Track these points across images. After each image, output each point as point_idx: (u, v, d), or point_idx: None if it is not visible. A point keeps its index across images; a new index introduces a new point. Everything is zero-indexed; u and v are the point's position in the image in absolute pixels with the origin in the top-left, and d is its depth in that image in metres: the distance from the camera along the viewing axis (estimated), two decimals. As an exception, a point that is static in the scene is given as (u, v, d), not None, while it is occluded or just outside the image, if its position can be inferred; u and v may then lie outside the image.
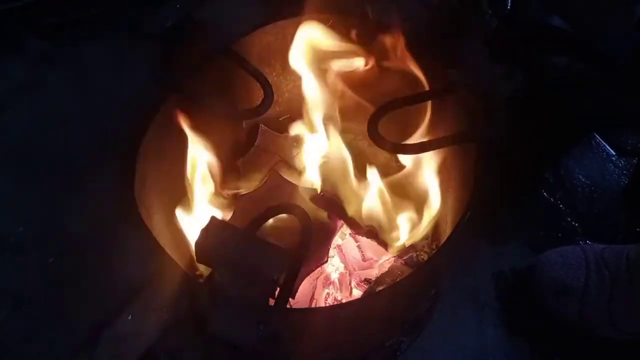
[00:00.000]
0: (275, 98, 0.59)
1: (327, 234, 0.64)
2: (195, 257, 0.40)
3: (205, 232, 0.40)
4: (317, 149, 0.63)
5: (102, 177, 0.85)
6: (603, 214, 0.87)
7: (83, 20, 1.02)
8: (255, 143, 0.70)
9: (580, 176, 0.90)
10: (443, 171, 0.56)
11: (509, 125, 0.48)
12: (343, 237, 0.66)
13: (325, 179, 0.62)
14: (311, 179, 0.63)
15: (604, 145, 0.93)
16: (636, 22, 0.86)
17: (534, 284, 0.75)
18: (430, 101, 0.52)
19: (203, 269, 0.51)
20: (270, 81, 0.60)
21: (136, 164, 0.50)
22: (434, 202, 0.57)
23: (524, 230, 0.85)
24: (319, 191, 0.63)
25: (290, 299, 0.46)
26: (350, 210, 0.61)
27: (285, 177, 0.63)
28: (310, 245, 0.44)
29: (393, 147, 0.50)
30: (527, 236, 0.84)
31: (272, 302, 0.42)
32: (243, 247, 0.39)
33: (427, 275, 0.51)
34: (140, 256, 0.52)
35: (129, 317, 0.47)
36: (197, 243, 0.39)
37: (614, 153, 0.92)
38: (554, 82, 0.89)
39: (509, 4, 1.05)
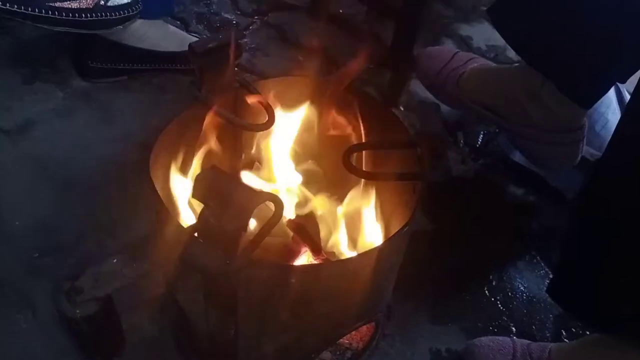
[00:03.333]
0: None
1: (290, 256, 0.74)
2: (192, 192, 0.52)
3: (205, 171, 0.51)
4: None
5: (110, 192, 0.97)
6: (536, 319, 0.97)
7: (124, 72, 1.19)
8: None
9: (520, 285, 1.02)
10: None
11: (449, 172, 0.61)
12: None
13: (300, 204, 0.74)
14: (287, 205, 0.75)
15: (543, 265, 1.06)
16: (579, 162, 1.03)
17: (465, 364, 0.84)
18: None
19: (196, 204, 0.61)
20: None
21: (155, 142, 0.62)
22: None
23: (463, 318, 0.95)
24: (293, 216, 0.75)
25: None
26: (319, 237, 0.73)
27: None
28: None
29: (362, 174, 0.63)
30: (466, 324, 0.94)
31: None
32: (234, 187, 0.50)
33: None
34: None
35: (114, 260, 0.57)
36: (196, 177, 0.51)
37: (551, 272, 1.05)
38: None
39: (480, 140, 1.25)
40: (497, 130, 1.24)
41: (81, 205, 0.97)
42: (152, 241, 0.60)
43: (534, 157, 1.07)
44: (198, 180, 0.50)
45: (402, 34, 1.30)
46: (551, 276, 1.05)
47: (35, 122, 1.12)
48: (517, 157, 1.18)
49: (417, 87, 1.27)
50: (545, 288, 1.02)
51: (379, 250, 0.61)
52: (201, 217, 0.50)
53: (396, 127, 0.69)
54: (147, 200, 0.66)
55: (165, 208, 0.58)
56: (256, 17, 1.47)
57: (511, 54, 1.52)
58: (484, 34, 1.56)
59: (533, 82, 0.95)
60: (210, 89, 0.68)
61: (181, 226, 0.57)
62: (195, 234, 0.51)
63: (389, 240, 0.61)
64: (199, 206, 0.53)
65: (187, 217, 0.66)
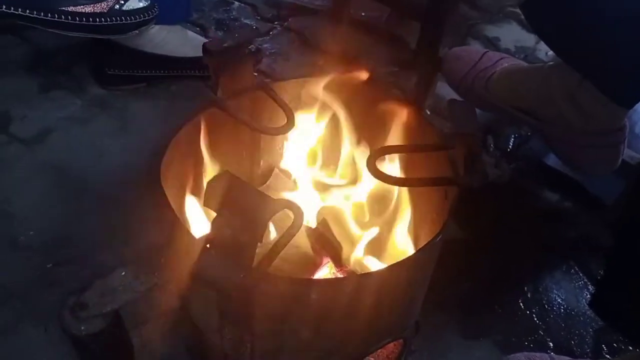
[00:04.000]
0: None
1: (310, 268, 0.69)
2: (204, 199, 0.48)
3: (218, 177, 0.47)
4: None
5: (125, 204, 0.94)
6: (575, 334, 0.91)
7: (142, 79, 1.17)
8: (267, 183, 0.79)
9: (557, 297, 0.96)
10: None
11: (486, 176, 0.56)
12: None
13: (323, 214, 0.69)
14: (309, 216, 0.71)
15: (582, 274, 0.99)
16: (619, 166, 0.97)
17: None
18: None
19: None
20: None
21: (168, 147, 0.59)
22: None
23: (496, 332, 0.89)
24: (314, 225, 0.70)
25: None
26: (342, 249, 0.68)
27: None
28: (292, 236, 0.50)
29: (389, 179, 0.58)
30: (499, 339, 0.88)
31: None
32: (248, 195, 0.46)
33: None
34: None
35: (122, 273, 0.53)
36: (208, 184, 0.47)
37: (590, 283, 0.98)
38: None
39: (511, 144, 1.20)
40: (529, 133, 1.18)
41: (97, 215, 0.94)
42: (163, 253, 0.56)
43: (570, 162, 1.01)
44: (210, 187, 0.46)
45: (428, 35, 1.25)
46: (590, 287, 0.99)
47: (52, 130, 1.10)
48: (552, 161, 1.12)
49: (444, 90, 1.21)
50: (584, 300, 0.96)
51: (410, 261, 0.56)
52: (214, 227, 0.46)
53: (426, 129, 0.64)
54: (161, 210, 0.62)
55: (176, 217, 0.54)
56: (276, 23, 1.44)
57: (541, 54, 1.46)
58: (512, 34, 1.51)
59: (569, 81, 0.89)
60: (226, 91, 0.64)
61: (192, 237, 0.52)
62: (208, 245, 0.47)
63: (420, 251, 0.56)
64: (212, 215, 0.48)
65: (201, 227, 0.62)
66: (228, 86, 0.64)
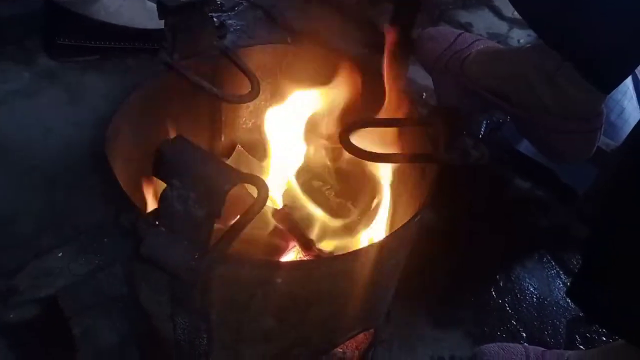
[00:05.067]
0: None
1: (275, 252, 0.64)
2: (152, 167, 0.41)
3: (169, 142, 0.41)
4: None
5: (71, 182, 0.86)
6: (548, 324, 0.88)
7: (95, 50, 1.08)
8: (228, 160, 0.73)
9: (529, 286, 0.93)
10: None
11: (468, 154, 0.51)
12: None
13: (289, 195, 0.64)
14: (274, 195, 0.65)
15: (554, 263, 0.97)
16: (593, 154, 0.94)
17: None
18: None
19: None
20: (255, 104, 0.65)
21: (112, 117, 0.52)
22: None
23: (468, 322, 0.86)
24: (280, 206, 0.64)
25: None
26: (309, 231, 0.62)
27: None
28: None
29: (363, 154, 0.53)
30: (471, 328, 0.85)
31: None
32: (204, 163, 0.40)
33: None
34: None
35: (59, 254, 0.46)
36: (157, 151, 0.40)
37: (562, 272, 0.96)
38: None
39: (483, 130, 1.16)
40: (501, 120, 1.15)
41: (41, 193, 0.86)
42: (109, 232, 0.49)
43: (545, 148, 0.97)
44: (160, 154, 0.40)
45: (400, 17, 1.20)
46: (562, 276, 0.97)
47: (-5, 103, 1.01)
48: (524, 148, 1.09)
49: (417, 74, 1.17)
50: (556, 289, 0.94)
51: (382, 245, 0.50)
52: (163, 200, 0.40)
53: (403, 102, 0.59)
54: (107, 185, 0.55)
55: (121, 190, 0.47)
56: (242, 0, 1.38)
57: (513, 42, 1.44)
58: (485, 20, 1.48)
59: (548, 64, 0.85)
60: (183, 54, 0.57)
61: (140, 212, 0.46)
62: (156, 222, 0.41)
63: (393, 234, 0.50)
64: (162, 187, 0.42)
65: (152, 202, 0.55)
66: (185, 49, 0.58)
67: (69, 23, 1.04)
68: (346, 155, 0.55)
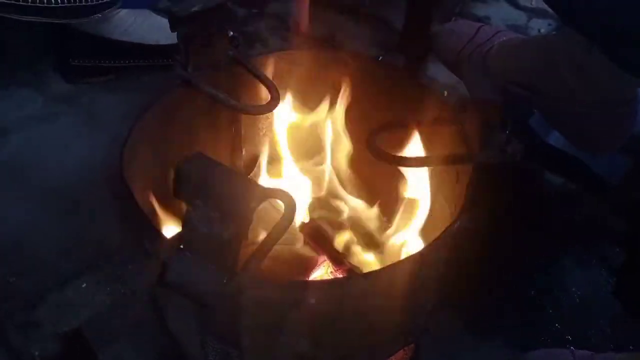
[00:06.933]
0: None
1: (305, 268, 0.61)
2: (172, 188, 0.39)
3: (189, 160, 0.38)
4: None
5: (92, 206, 0.85)
6: (593, 324, 0.83)
7: (110, 70, 1.07)
8: (251, 174, 0.70)
9: (570, 285, 0.89)
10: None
11: (505, 150, 0.48)
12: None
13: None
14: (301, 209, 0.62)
15: (595, 260, 0.92)
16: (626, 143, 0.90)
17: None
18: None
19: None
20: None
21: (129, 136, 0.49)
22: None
23: (509, 328, 0.82)
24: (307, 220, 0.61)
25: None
26: (339, 245, 0.60)
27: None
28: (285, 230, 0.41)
29: (393, 159, 0.50)
30: (512, 334, 0.81)
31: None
32: (227, 180, 0.37)
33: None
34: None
35: (83, 285, 0.44)
36: (178, 169, 0.38)
37: (604, 269, 0.91)
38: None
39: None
40: (529, 112, 1.10)
41: (60, 219, 0.84)
42: (132, 258, 0.47)
43: (578, 139, 0.93)
44: (179, 174, 0.37)
45: (415, 15, 1.17)
46: (604, 273, 0.92)
47: (11, 130, 1.01)
48: (553, 140, 1.04)
49: (436, 71, 1.14)
50: (599, 287, 0.89)
51: (420, 257, 0.47)
52: (187, 222, 0.37)
53: (430, 102, 0.55)
54: (127, 208, 0.52)
55: (142, 214, 0.45)
56: (255, 9, 1.36)
57: (534, 32, 1.39)
58: (502, 12, 1.44)
59: (576, 50, 0.81)
60: (197, 66, 0.55)
61: (163, 237, 0.43)
62: (181, 246, 0.38)
63: (432, 244, 0.47)
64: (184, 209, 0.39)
65: (174, 225, 0.53)
66: (200, 60, 0.55)
67: (81, 44, 1.03)
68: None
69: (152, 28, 1.08)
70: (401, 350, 0.61)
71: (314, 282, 0.54)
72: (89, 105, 1.07)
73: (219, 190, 0.37)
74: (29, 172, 0.93)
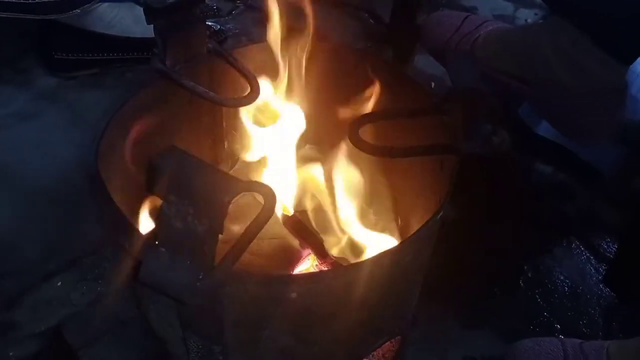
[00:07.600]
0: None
1: (289, 262, 0.60)
2: (145, 183, 0.38)
3: (162, 154, 0.37)
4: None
5: (71, 205, 0.83)
6: (582, 313, 0.83)
7: (94, 63, 1.06)
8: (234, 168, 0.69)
9: (560, 275, 0.88)
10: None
11: (491, 140, 0.47)
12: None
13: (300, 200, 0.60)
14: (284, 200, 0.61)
15: (584, 249, 0.92)
16: (617, 132, 0.89)
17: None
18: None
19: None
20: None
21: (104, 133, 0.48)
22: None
23: (498, 318, 0.81)
24: (291, 213, 0.61)
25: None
26: (323, 236, 0.59)
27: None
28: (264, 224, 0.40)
29: (376, 150, 0.49)
30: (502, 325, 0.81)
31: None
32: (202, 174, 0.36)
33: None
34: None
35: (58, 284, 0.43)
36: (151, 163, 0.37)
37: (594, 258, 0.91)
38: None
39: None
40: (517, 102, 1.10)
41: (44, 219, 0.83)
42: (109, 255, 0.46)
43: (567, 128, 0.93)
44: (152, 168, 0.36)
45: (402, 6, 1.17)
46: (593, 262, 0.92)
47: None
48: (543, 130, 1.04)
49: (424, 62, 1.13)
50: (589, 277, 0.88)
51: (403, 247, 0.46)
52: (160, 217, 0.36)
53: (414, 91, 0.54)
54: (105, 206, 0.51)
55: (118, 210, 0.44)
56: (239, 1, 1.34)
57: (521, 22, 1.38)
58: (489, 2, 1.44)
59: (563, 39, 0.81)
60: (176, 59, 0.54)
61: (138, 232, 0.42)
62: (156, 243, 0.37)
63: (415, 235, 0.46)
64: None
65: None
66: (178, 53, 0.54)
67: (65, 37, 1.01)
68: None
69: (135, 21, 1.07)
70: (388, 343, 0.60)
71: (294, 276, 0.53)
72: (73, 102, 1.05)
73: (192, 184, 0.36)
74: (12, 170, 0.92)
